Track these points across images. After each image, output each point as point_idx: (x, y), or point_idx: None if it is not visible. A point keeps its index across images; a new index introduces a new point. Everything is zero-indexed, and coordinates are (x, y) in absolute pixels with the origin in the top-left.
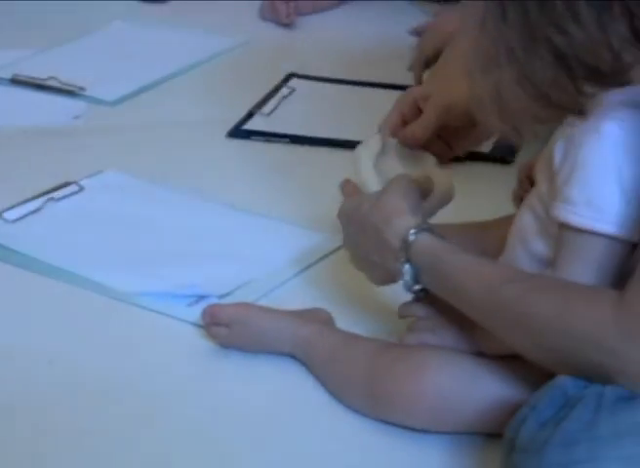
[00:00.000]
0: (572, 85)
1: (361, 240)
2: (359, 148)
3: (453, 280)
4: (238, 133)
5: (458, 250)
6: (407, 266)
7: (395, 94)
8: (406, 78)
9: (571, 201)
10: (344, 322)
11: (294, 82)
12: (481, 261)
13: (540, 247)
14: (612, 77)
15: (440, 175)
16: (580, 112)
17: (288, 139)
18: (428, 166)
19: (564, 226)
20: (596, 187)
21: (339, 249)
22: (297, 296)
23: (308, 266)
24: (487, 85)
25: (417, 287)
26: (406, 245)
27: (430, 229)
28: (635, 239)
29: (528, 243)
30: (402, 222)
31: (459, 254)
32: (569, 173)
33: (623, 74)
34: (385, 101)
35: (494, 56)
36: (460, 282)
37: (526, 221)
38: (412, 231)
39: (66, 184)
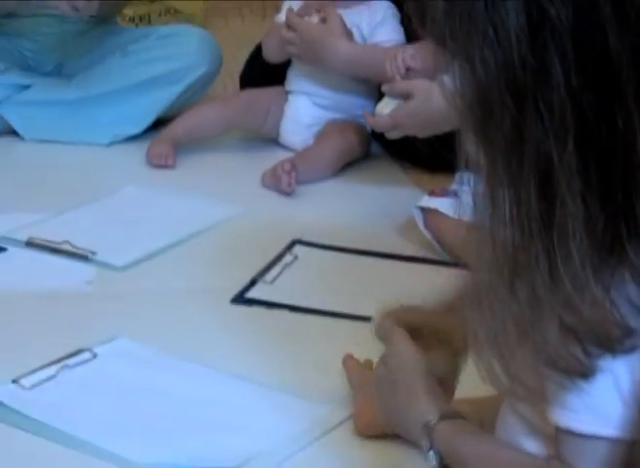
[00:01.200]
0: (580, 349)
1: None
2: None
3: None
4: (241, 300)
5: (475, 435)
6: (431, 453)
7: (398, 265)
8: (407, 249)
9: (571, 407)
10: None
11: (297, 249)
12: (496, 449)
13: (533, 447)
14: (621, 342)
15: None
16: (588, 375)
17: (288, 309)
18: None
19: (563, 430)
20: (595, 394)
21: (345, 421)
22: None
23: (315, 439)
24: (490, 353)
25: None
26: (428, 430)
27: (452, 414)
28: (636, 437)
29: (519, 444)
30: (423, 408)
31: (476, 441)
32: None
33: (633, 339)
34: (387, 273)
35: (499, 327)
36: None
37: (512, 423)
38: (433, 418)
39: (80, 351)
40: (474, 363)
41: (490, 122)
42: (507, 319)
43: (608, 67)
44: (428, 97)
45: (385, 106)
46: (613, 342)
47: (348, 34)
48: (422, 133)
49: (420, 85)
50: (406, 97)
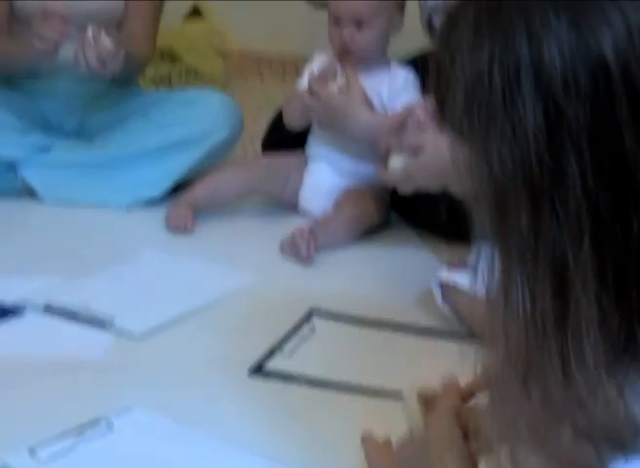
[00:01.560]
0: (592, 450)
1: None
2: None
3: None
4: (259, 372)
5: None
6: None
7: (417, 337)
8: (427, 319)
9: None
10: None
11: (315, 319)
12: None
13: None
14: (633, 443)
15: None
16: None
17: (308, 383)
18: None
19: None
20: None
21: None
22: None
23: None
24: (500, 450)
25: None
26: None
27: None
28: None
29: None
30: None
31: None
32: None
33: None
34: (405, 346)
35: (510, 423)
36: None
37: None
38: None
39: (97, 422)
40: (485, 460)
41: (505, 218)
42: (519, 416)
43: (624, 168)
44: (438, 150)
45: (397, 161)
46: (626, 443)
47: (369, 103)
48: (434, 185)
49: (428, 138)
50: (415, 150)
